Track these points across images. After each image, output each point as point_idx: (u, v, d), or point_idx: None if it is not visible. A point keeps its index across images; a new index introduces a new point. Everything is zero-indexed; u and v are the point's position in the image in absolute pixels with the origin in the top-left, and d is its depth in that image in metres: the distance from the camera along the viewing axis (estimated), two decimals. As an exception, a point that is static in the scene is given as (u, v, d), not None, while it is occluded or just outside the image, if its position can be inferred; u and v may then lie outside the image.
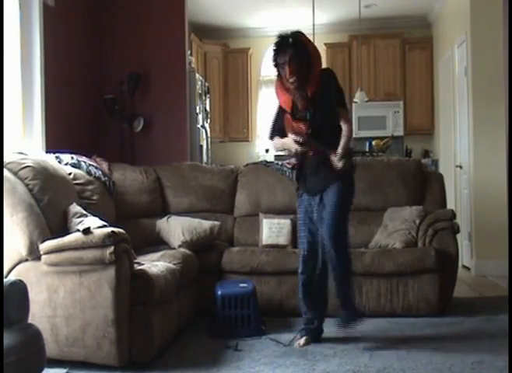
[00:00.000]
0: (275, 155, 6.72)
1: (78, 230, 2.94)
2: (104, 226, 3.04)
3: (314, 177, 3.28)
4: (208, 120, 6.73)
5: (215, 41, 8.28)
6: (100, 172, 4.11)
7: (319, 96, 3.20)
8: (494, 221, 5.38)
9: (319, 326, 3.40)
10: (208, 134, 6.62)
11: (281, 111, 3.37)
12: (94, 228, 2.93)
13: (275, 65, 3.22)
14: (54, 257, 2.87)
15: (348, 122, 3.26)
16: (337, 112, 3.22)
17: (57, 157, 3.90)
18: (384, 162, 4.70)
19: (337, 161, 3.15)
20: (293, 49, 3.12)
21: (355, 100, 7.51)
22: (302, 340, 3.30)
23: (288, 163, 4.70)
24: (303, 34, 3.25)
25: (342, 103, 3.25)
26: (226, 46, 8.38)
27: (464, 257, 5.95)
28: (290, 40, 3.14)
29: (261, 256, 4.04)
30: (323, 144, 3.21)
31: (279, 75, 3.24)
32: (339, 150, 3.17)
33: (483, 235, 5.61)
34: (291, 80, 3.14)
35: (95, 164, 4.16)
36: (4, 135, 3.27)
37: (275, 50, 3.19)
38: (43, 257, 2.91)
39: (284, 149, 3.42)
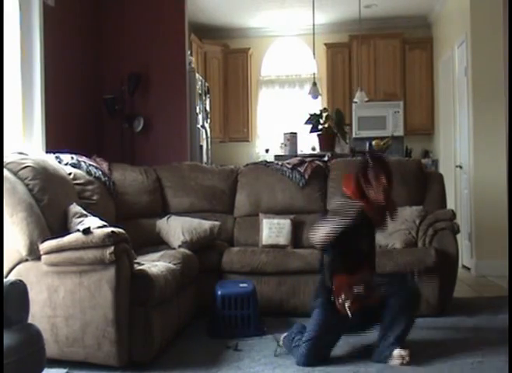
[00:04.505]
0: (275, 155, 6.72)
1: (79, 230, 2.94)
2: (104, 226, 3.04)
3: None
4: (208, 120, 6.72)
5: (215, 41, 8.28)
6: (100, 172, 4.11)
7: None
8: (494, 221, 5.38)
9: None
10: (208, 134, 6.62)
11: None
12: (94, 228, 2.93)
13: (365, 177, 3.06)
14: (54, 257, 2.88)
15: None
16: None
17: (57, 157, 3.90)
18: (384, 162, 4.69)
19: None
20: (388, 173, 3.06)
21: (355, 100, 7.50)
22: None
23: (288, 163, 4.69)
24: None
25: None
26: (226, 46, 8.38)
27: (464, 257, 5.95)
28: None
29: (261, 256, 4.03)
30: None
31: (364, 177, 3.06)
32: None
33: (483, 235, 5.61)
34: (381, 199, 3.04)
35: (95, 164, 4.16)
36: (4, 135, 3.27)
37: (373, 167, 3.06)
38: (43, 257, 2.91)
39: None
